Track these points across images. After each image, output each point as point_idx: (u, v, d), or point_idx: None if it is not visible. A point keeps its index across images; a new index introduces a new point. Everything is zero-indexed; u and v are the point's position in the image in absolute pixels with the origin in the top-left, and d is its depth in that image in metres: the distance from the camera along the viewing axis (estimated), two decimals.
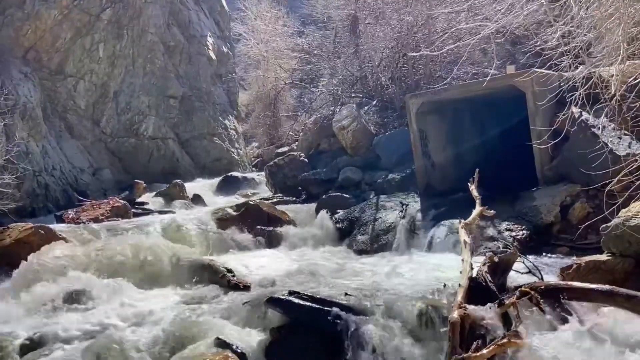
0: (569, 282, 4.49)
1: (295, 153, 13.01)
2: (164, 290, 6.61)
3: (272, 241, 8.61)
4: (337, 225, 8.67)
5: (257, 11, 21.28)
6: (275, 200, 11.35)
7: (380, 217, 8.21)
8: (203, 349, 4.68)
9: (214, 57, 19.49)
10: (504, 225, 6.76)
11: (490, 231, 6.69)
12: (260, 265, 7.28)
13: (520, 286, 4.39)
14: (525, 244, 6.36)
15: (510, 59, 10.36)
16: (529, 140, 7.01)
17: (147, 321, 5.43)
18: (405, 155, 9.76)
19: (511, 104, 8.01)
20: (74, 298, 6.12)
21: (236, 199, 12.38)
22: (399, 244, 7.68)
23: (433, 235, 7.25)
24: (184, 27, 18.69)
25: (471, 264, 4.53)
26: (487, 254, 4.99)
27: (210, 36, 19.79)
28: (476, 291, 4.33)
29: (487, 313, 4.00)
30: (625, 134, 6.23)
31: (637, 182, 4.63)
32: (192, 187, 14.25)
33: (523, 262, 4.87)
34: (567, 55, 5.13)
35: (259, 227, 8.83)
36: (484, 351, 3.65)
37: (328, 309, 4.75)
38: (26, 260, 6.80)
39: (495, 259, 4.69)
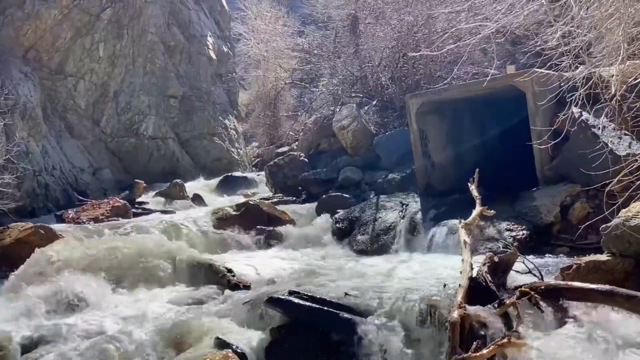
0: (569, 282, 4.49)
1: (295, 153, 13.01)
2: (164, 290, 6.62)
3: (272, 241, 8.63)
4: (337, 225, 8.67)
5: (257, 11, 21.28)
6: (275, 200, 11.35)
7: (380, 217, 8.21)
8: (203, 348, 4.69)
9: (214, 56, 19.49)
10: (504, 225, 6.75)
11: (490, 231, 6.68)
12: (260, 265, 7.29)
13: (520, 286, 4.39)
14: (525, 244, 6.36)
15: (511, 59, 10.36)
16: (529, 140, 7.01)
17: (147, 321, 5.43)
18: (405, 155, 9.76)
19: (511, 104, 8.00)
20: (74, 298, 6.12)
21: (236, 199, 12.38)
22: (399, 244, 7.68)
23: (433, 235, 7.25)
24: (184, 27, 18.69)
25: (471, 264, 4.53)
26: (487, 254, 4.99)
27: (210, 36, 19.78)
28: (476, 291, 4.33)
29: (487, 313, 4.00)
30: (625, 134, 6.23)
31: (637, 182, 4.62)
32: (192, 187, 14.26)
33: (523, 262, 4.86)
34: (567, 55, 5.12)
35: (259, 227, 8.84)
36: (484, 351, 3.65)
37: (328, 309, 4.75)
38: (26, 260, 6.80)
39: (495, 259, 4.69)
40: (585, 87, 4.94)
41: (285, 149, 15.88)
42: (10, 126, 11.50)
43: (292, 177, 12.05)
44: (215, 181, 15.44)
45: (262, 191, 13.55)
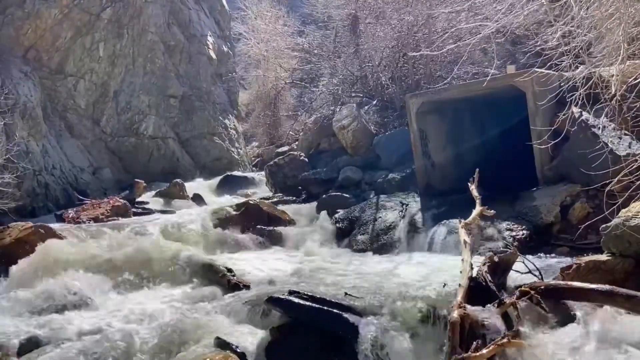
0: (569, 282, 4.49)
1: (295, 153, 13.01)
2: (163, 289, 6.61)
3: (272, 241, 8.62)
4: (337, 225, 8.68)
5: (257, 10, 21.27)
6: (275, 199, 11.35)
7: (381, 217, 8.21)
8: (203, 348, 4.68)
9: (214, 56, 19.49)
10: (504, 225, 6.75)
11: (491, 231, 6.69)
12: (260, 264, 7.29)
13: (520, 286, 4.39)
14: (525, 243, 6.36)
15: (511, 58, 10.36)
16: (529, 140, 7.01)
17: (147, 320, 5.43)
18: (406, 155, 9.76)
19: (511, 104, 8.01)
20: (73, 297, 6.11)
21: (236, 199, 12.38)
22: (399, 244, 7.68)
23: (433, 235, 7.25)
24: (184, 27, 18.68)
25: (471, 264, 4.53)
26: (487, 254, 5.00)
27: (210, 35, 19.78)
28: (476, 291, 4.33)
29: (487, 313, 4.01)
30: (625, 134, 6.23)
31: (637, 182, 4.63)
32: (192, 186, 14.26)
33: (523, 262, 4.87)
34: (567, 55, 5.13)
35: (259, 226, 8.83)
36: (484, 351, 3.66)
37: (328, 308, 4.75)
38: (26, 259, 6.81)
39: (495, 258, 4.70)
40: (585, 87, 4.94)
41: (285, 148, 15.89)
42: (10, 126, 11.50)
43: (292, 177, 12.05)
44: (215, 181, 15.44)
45: (262, 191, 13.56)
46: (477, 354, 3.65)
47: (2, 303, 6.09)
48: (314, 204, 9.98)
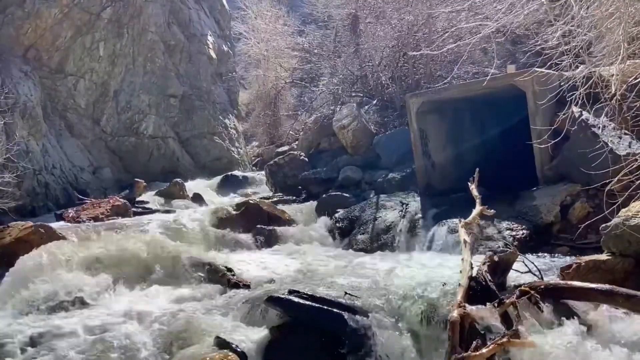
0: (569, 282, 4.49)
1: (295, 152, 13.01)
2: (163, 289, 6.59)
3: (272, 240, 8.62)
4: (337, 224, 8.68)
5: (257, 10, 21.27)
6: (275, 199, 11.35)
7: (381, 217, 8.21)
8: (203, 348, 4.68)
9: (214, 56, 19.49)
10: (504, 224, 6.75)
11: (491, 231, 6.69)
12: (260, 264, 7.28)
13: (520, 285, 4.39)
14: (525, 243, 6.36)
15: (511, 58, 10.36)
16: (529, 139, 7.01)
17: (146, 320, 5.42)
18: (406, 155, 9.76)
19: (511, 103, 8.01)
20: (73, 297, 6.11)
21: (236, 198, 12.39)
22: (399, 244, 7.68)
23: (433, 234, 7.25)
24: (184, 26, 18.68)
25: (471, 264, 4.53)
26: (487, 254, 4.99)
27: (210, 35, 19.78)
28: (476, 290, 4.34)
29: (487, 312, 4.00)
30: (625, 134, 6.23)
31: (637, 182, 4.62)
32: (192, 186, 14.26)
33: (523, 262, 4.87)
34: (567, 54, 5.12)
35: (259, 226, 8.83)
36: (484, 350, 3.65)
37: (328, 308, 4.75)
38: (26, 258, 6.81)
39: (495, 258, 4.70)
40: (586, 87, 4.94)
41: (285, 148, 15.88)
42: (10, 125, 11.51)
43: (292, 177, 12.05)
44: (215, 180, 15.44)
45: (262, 190, 13.56)
46: (477, 353, 3.65)
47: (2, 302, 6.09)
48: (314, 203, 9.98)
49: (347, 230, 8.48)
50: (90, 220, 9.82)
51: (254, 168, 18.83)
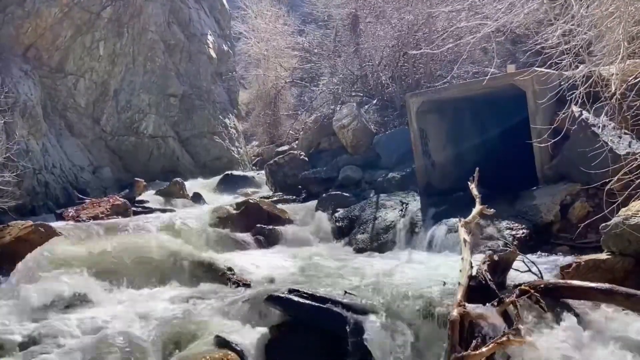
0: (569, 281, 4.49)
1: (295, 152, 13.01)
2: (163, 288, 6.61)
3: (272, 239, 8.62)
4: (337, 223, 8.68)
5: (257, 10, 21.26)
6: (275, 198, 11.35)
7: (380, 216, 8.21)
8: (203, 347, 4.69)
9: (214, 55, 19.49)
10: (504, 224, 6.75)
11: (490, 230, 6.69)
12: (260, 263, 7.28)
13: (520, 284, 4.39)
14: (525, 242, 6.36)
15: (511, 57, 10.35)
16: (529, 139, 7.01)
17: (146, 319, 5.42)
18: (406, 154, 9.76)
19: (511, 103, 8.00)
20: (73, 296, 6.11)
21: (236, 198, 12.38)
22: (399, 243, 7.69)
23: (433, 233, 7.25)
24: (184, 26, 18.68)
25: (471, 263, 4.53)
26: (486, 253, 5.00)
27: (210, 34, 19.78)
28: (476, 290, 4.34)
29: (487, 311, 4.00)
30: (625, 133, 6.22)
31: (637, 181, 4.62)
32: (192, 185, 14.26)
33: (523, 261, 4.87)
34: (567, 54, 5.12)
35: (259, 225, 8.83)
36: (483, 349, 3.66)
37: (328, 307, 4.75)
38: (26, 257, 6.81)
39: (495, 257, 4.70)
40: (585, 86, 4.94)
41: (285, 147, 15.88)
42: (10, 124, 11.51)
43: (292, 176, 12.04)
44: (215, 180, 15.43)
45: (262, 190, 13.55)
46: (477, 352, 3.65)
47: (2, 301, 6.09)
48: (314, 203, 9.98)
49: (347, 229, 8.48)
50: (90, 219, 9.81)
51: (254, 167, 18.84)
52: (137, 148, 16.63)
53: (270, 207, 9.55)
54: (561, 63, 5.35)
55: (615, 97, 4.99)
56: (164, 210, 11.28)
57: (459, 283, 4.32)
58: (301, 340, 4.70)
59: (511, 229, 6.65)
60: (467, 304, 4.00)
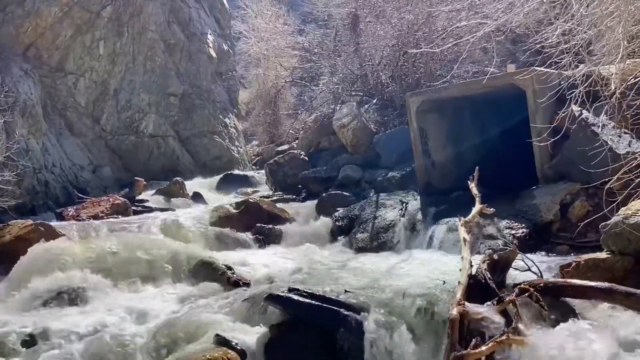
0: (568, 280, 4.50)
1: (295, 151, 13.02)
2: (163, 287, 6.62)
3: (272, 239, 8.63)
4: (337, 223, 8.68)
5: (257, 9, 21.27)
6: (275, 198, 11.36)
7: (380, 215, 8.21)
8: (202, 345, 4.69)
9: (214, 55, 19.49)
10: (504, 223, 6.75)
11: (490, 229, 6.68)
12: (260, 262, 7.30)
13: (520, 283, 4.40)
14: (524, 242, 6.36)
15: (511, 57, 10.35)
16: (529, 139, 7.00)
17: (146, 318, 5.44)
18: (406, 154, 9.76)
19: (511, 102, 8.00)
20: (73, 295, 6.13)
21: (236, 197, 12.39)
22: (399, 242, 7.69)
23: (433, 233, 7.25)
24: (184, 25, 18.68)
25: (470, 262, 4.53)
26: (486, 252, 5.00)
27: (210, 34, 19.78)
28: (476, 289, 4.33)
29: (487, 310, 4.00)
30: (625, 132, 6.22)
31: (637, 180, 4.62)
32: (192, 185, 14.27)
33: (522, 260, 4.87)
34: (567, 53, 5.12)
35: (258, 224, 8.84)
36: (483, 348, 3.66)
37: (328, 306, 4.76)
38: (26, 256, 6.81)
39: (495, 256, 4.70)
40: (585, 85, 4.94)
41: (285, 147, 15.88)
42: (10, 123, 11.51)
43: (292, 176, 12.05)
44: (215, 179, 15.44)
45: (262, 189, 13.56)
46: (477, 350, 3.65)
47: (2, 299, 6.10)
48: (314, 202, 9.99)
49: (346, 228, 8.48)
50: (90, 218, 9.83)
51: (254, 167, 18.84)
52: (137, 147, 16.63)
53: (270, 207, 9.56)
54: (561, 62, 5.34)
55: (615, 96, 4.99)
56: (163, 210, 11.29)
57: (459, 282, 4.32)
58: (301, 339, 4.70)
59: (511, 228, 6.66)
60: (466, 303, 4.01)
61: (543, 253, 6.21)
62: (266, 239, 8.62)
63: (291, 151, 13.18)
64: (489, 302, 4.11)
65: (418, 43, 11.61)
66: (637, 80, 4.89)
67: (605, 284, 4.11)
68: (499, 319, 3.96)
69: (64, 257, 6.78)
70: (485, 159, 8.05)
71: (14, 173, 9.91)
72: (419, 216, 7.85)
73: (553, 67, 6.35)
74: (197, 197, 12.89)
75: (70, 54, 15.37)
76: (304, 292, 4.95)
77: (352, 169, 10.90)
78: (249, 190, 13.77)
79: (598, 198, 5.89)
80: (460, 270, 4.48)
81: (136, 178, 13.27)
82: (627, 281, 4.45)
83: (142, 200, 12.38)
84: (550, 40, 5.28)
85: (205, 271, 6.77)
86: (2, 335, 5.09)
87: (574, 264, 4.86)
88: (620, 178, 4.69)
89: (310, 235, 8.63)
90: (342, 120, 11.68)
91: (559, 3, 5.09)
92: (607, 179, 4.89)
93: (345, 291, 5.02)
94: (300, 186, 11.68)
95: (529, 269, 4.82)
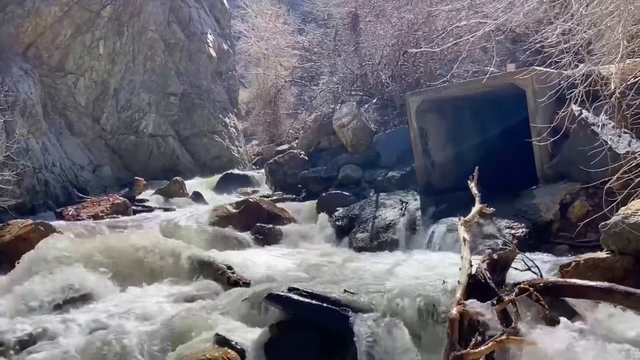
0: (568, 280, 4.49)
1: (295, 151, 13.02)
2: (163, 286, 6.61)
3: (272, 238, 8.63)
4: (337, 222, 8.68)
5: (257, 9, 21.27)
6: (275, 197, 11.37)
7: (380, 215, 8.21)
8: (202, 345, 4.68)
9: (214, 54, 19.48)
10: (504, 223, 6.75)
11: (490, 229, 6.69)
12: (259, 262, 7.29)
13: (519, 283, 4.39)
14: (524, 241, 6.36)
15: (511, 57, 10.35)
16: (529, 138, 7.00)
17: (146, 317, 5.43)
18: (405, 153, 9.76)
19: (511, 102, 8.00)
20: (73, 294, 6.12)
21: (236, 197, 12.39)
22: (399, 242, 7.69)
23: (433, 232, 7.25)
24: (184, 25, 18.68)
25: (470, 261, 4.53)
26: (486, 252, 4.99)
27: (210, 34, 19.77)
28: (475, 288, 4.32)
29: (486, 310, 3.99)
30: (624, 132, 6.22)
31: (637, 180, 4.62)
32: (192, 184, 14.28)
33: (522, 260, 4.87)
34: (567, 52, 5.12)
35: (258, 224, 8.84)
36: (483, 348, 3.66)
37: (328, 305, 4.75)
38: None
39: (495, 256, 4.69)
40: (585, 85, 4.94)
41: (285, 147, 15.89)
42: (10, 123, 11.51)
43: (292, 175, 12.06)
44: (215, 179, 15.45)
45: (262, 189, 13.57)
46: (476, 350, 3.65)
47: (1, 300, 6.09)
48: (314, 202, 9.99)
49: (346, 228, 8.48)
50: (90, 218, 9.85)
51: (253, 167, 18.85)
52: (137, 147, 16.63)
53: (270, 206, 9.57)
54: (561, 62, 5.34)
55: (614, 95, 4.99)
56: (163, 209, 11.30)
57: (459, 282, 4.31)
58: (301, 338, 4.70)
59: (511, 227, 6.66)
60: (466, 303, 4.00)
61: (543, 253, 6.21)
62: (266, 238, 8.62)
63: (291, 151, 13.19)
64: (488, 302, 4.10)
65: (418, 42, 11.61)
66: (636, 79, 4.89)
67: (605, 284, 4.11)
68: (498, 318, 3.95)
69: (63, 257, 6.78)
70: (485, 159, 8.05)
71: (14, 173, 9.91)
72: (419, 216, 7.86)
73: (553, 67, 6.36)
74: (197, 197, 12.89)
75: (70, 54, 15.38)
76: (304, 291, 4.95)
77: (352, 169, 10.90)
78: (249, 189, 13.78)
79: (598, 198, 5.89)
80: (459, 269, 4.48)
81: (136, 178, 13.28)
82: (627, 281, 4.44)
83: (142, 200, 12.39)
84: (550, 40, 5.28)
85: (205, 271, 6.76)
86: (2, 334, 5.08)
87: (573, 263, 4.86)
88: (620, 178, 4.69)
89: (310, 235, 8.64)
90: (342, 120, 11.68)
91: (559, 3, 5.09)
92: (606, 179, 4.89)
93: (345, 291, 5.02)
94: (300, 186, 11.68)
95: (529, 269, 4.81)
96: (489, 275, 4.43)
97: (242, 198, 10.69)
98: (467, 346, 3.72)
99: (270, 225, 8.85)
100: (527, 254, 5.05)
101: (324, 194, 10.03)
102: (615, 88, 4.82)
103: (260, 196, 11.50)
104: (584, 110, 6.36)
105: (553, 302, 4.24)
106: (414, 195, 8.61)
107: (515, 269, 4.87)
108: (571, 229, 6.36)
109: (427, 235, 7.33)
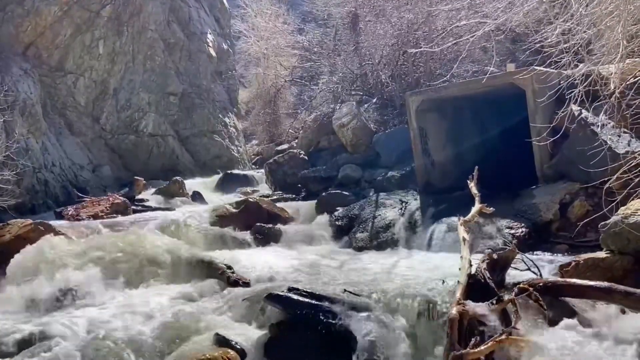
0: (568, 279, 4.50)
1: (295, 151, 13.01)
2: (163, 286, 6.62)
3: (272, 238, 8.62)
4: (337, 222, 8.68)
5: (257, 8, 21.26)
6: (275, 197, 11.35)
7: (380, 215, 8.21)
8: (202, 345, 4.70)
9: (214, 54, 19.47)
10: (504, 222, 6.76)
11: (490, 229, 6.69)
12: (259, 262, 7.29)
13: (519, 283, 4.40)
14: (524, 241, 6.37)
15: (510, 56, 10.35)
16: (529, 138, 7.01)
17: (146, 317, 5.44)
18: (405, 153, 9.76)
19: (511, 102, 8.01)
20: (72, 294, 6.13)
21: (236, 197, 12.38)
22: (399, 241, 7.70)
23: (432, 232, 7.26)
24: (184, 24, 18.67)
25: (470, 261, 4.54)
26: (486, 251, 5.00)
27: (210, 33, 19.76)
28: (475, 288, 4.34)
29: (486, 310, 4.00)
30: (624, 132, 6.22)
31: (636, 180, 4.63)
32: (192, 184, 14.26)
33: (522, 260, 4.88)
34: (566, 52, 5.12)
35: (258, 224, 8.83)
36: (482, 347, 3.66)
37: (327, 305, 4.76)
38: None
39: (494, 256, 4.70)
40: (585, 85, 4.94)
41: (285, 146, 15.88)
42: (10, 123, 11.50)
43: (292, 175, 12.05)
44: (215, 179, 15.43)
45: (261, 189, 13.55)
46: (476, 350, 3.66)
47: (1, 299, 6.10)
48: (314, 201, 9.99)
49: (346, 228, 8.48)
50: (89, 218, 9.83)
51: (253, 166, 18.83)
52: (136, 147, 16.62)
53: (269, 206, 9.57)
54: (560, 62, 5.34)
55: (614, 95, 4.99)
56: (163, 209, 11.29)
57: (458, 281, 4.32)
58: (300, 338, 4.70)
59: (510, 227, 6.66)
60: (466, 302, 4.01)
61: (542, 252, 6.21)
62: (266, 238, 8.61)
63: (291, 150, 13.17)
64: (488, 302, 4.11)
65: (418, 42, 11.61)
66: (636, 79, 4.89)
67: (605, 284, 4.11)
68: (498, 318, 3.96)
69: (63, 257, 6.79)
70: (485, 159, 8.05)
71: (14, 172, 9.90)
72: (419, 215, 7.86)
73: (552, 67, 6.35)
74: (197, 197, 12.88)
75: (70, 53, 15.36)
76: (304, 291, 4.96)
77: (352, 169, 10.90)
78: (249, 189, 13.75)
79: (597, 197, 5.89)
80: (459, 269, 4.49)
81: (136, 177, 13.27)
82: (627, 280, 4.45)
83: (142, 200, 12.37)
84: (549, 40, 5.28)
85: (204, 270, 6.77)
86: (2, 335, 5.08)
87: (573, 263, 4.87)
88: (619, 177, 4.70)
89: (309, 235, 8.63)
90: (341, 120, 11.68)
91: (559, 3, 5.09)
92: (606, 179, 4.89)
93: (345, 290, 5.03)
94: (299, 185, 11.68)
95: (529, 269, 4.82)
96: (488, 275, 4.44)
97: (242, 198, 10.68)
98: (467, 346, 3.73)
99: (270, 225, 8.85)
100: (527, 254, 5.07)
101: (323, 194, 10.03)
102: (614, 88, 4.82)
103: (260, 196, 11.49)
104: (583, 110, 6.36)
105: (553, 302, 4.25)
106: (414, 195, 8.61)
107: (515, 268, 4.88)
108: (571, 228, 6.36)
109: (427, 235, 7.33)
